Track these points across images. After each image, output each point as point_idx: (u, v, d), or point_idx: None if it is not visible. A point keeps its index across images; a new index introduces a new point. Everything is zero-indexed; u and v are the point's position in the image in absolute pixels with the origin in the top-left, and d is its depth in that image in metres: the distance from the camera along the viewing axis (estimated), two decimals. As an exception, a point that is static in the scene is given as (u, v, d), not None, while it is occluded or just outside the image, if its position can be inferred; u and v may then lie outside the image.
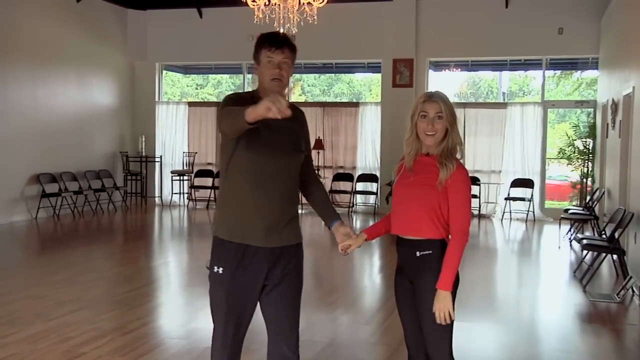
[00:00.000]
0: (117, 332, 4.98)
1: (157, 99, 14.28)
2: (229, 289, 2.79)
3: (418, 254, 2.87)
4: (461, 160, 2.95)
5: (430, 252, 2.86)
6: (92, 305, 5.77)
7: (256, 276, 2.81)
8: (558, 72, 17.25)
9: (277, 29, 8.04)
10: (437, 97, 2.90)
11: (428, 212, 2.84)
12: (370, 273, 8.11)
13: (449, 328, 2.89)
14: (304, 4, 8.06)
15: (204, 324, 5.52)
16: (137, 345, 4.69)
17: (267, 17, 8.16)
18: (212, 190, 13.55)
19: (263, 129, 2.67)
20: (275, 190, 2.83)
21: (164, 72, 14.91)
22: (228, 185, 2.84)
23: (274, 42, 2.84)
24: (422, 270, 2.88)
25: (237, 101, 2.76)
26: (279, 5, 7.93)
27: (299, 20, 7.97)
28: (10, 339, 4.73)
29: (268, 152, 2.79)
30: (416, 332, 2.97)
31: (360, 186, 12.96)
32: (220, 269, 2.80)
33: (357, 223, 11.28)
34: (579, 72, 16.52)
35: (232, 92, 2.94)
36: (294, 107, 2.97)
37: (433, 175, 2.85)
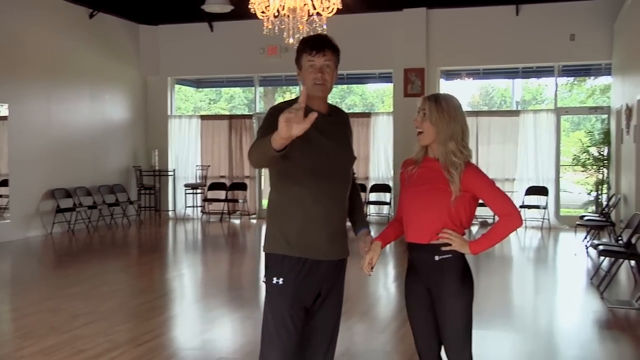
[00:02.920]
0: (130, 344, 4.97)
1: (169, 113, 14.36)
2: (292, 299, 2.73)
3: (437, 258, 2.85)
4: (469, 160, 2.89)
5: (450, 255, 2.85)
6: (106, 318, 5.76)
7: (315, 287, 2.80)
8: (571, 79, 17.17)
9: (287, 40, 8.06)
10: (431, 97, 2.90)
11: (445, 217, 2.83)
12: (385, 282, 8.05)
13: (469, 334, 2.91)
14: (312, 14, 8.09)
15: (218, 335, 5.53)
16: (151, 356, 4.68)
17: (276, 28, 8.19)
18: (226, 203, 13.58)
19: (314, 134, 2.59)
20: (335, 198, 2.81)
21: (177, 86, 15.00)
22: (284, 198, 2.77)
23: (315, 45, 2.76)
24: (441, 275, 2.86)
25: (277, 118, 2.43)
26: (288, 16, 7.97)
27: (308, 30, 7.99)
28: (25, 352, 4.74)
29: (324, 158, 2.75)
30: (428, 337, 2.95)
31: (373, 196, 12.92)
32: (281, 280, 2.74)
33: (372, 233, 11.21)
34: (592, 78, 16.43)
35: (278, 103, 2.82)
36: (337, 109, 2.98)
37: (445, 181, 2.82)
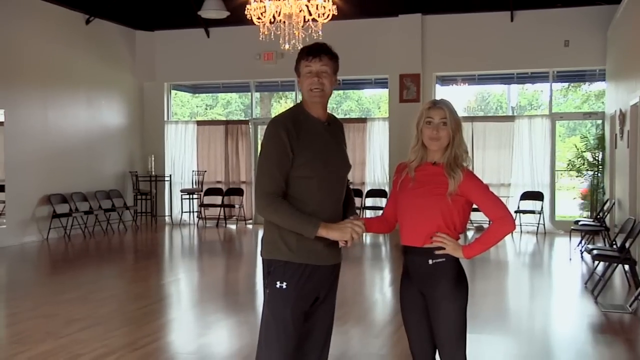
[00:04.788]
0: (127, 349, 4.98)
1: (166, 119, 14.38)
2: (294, 303, 2.79)
3: (431, 262, 2.87)
4: (468, 168, 2.95)
5: (444, 259, 2.87)
6: (102, 323, 5.78)
7: (314, 291, 2.86)
8: (566, 85, 17.25)
9: (282, 45, 8.11)
10: (442, 104, 2.93)
11: (439, 221, 2.85)
12: (381, 286, 8.08)
13: (463, 338, 2.93)
14: (308, 20, 8.14)
15: (215, 339, 5.55)
16: (147, 361, 4.70)
17: (272, 34, 8.24)
18: (222, 209, 13.59)
19: (319, 146, 2.74)
20: (335, 207, 2.90)
21: (173, 92, 15.03)
22: None
23: (311, 51, 2.83)
24: (435, 278, 2.88)
25: (288, 135, 2.74)
26: (284, 22, 8.02)
27: (304, 36, 8.05)
28: (21, 357, 4.75)
29: (325, 168, 2.82)
30: (423, 340, 2.97)
31: (369, 202, 12.95)
32: (284, 284, 2.79)
33: (367, 239, 11.26)
34: (587, 84, 16.52)
35: (278, 117, 2.89)
36: (334, 118, 3.04)
37: (442, 185, 2.85)
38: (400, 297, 3.05)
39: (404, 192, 2.96)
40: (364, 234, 3.01)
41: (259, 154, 2.93)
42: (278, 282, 2.81)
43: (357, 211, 12.60)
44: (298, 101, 2.95)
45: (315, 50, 2.83)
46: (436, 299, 2.89)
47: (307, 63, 2.81)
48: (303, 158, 2.76)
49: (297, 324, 2.81)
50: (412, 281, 2.97)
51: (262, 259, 2.91)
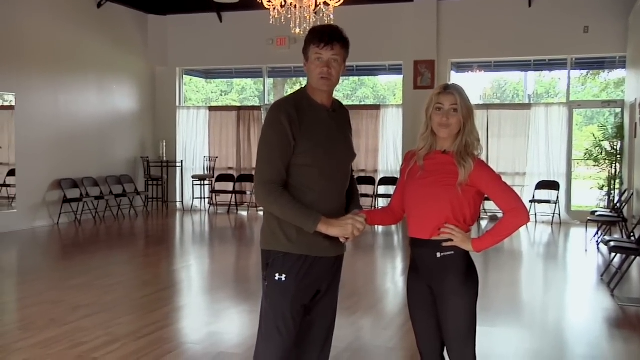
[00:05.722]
0: (130, 337, 4.90)
1: (178, 104, 14.30)
2: (295, 295, 2.69)
3: (439, 255, 2.74)
4: (480, 157, 2.80)
5: (452, 252, 2.74)
6: (107, 310, 5.71)
7: (315, 284, 2.76)
8: (584, 73, 16.94)
9: (293, 29, 7.96)
10: (452, 89, 2.78)
11: (448, 213, 2.71)
12: (393, 276, 7.95)
13: (473, 334, 2.80)
14: (320, 4, 7.97)
15: (222, 328, 5.47)
16: (150, 350, 4.60)
17: (283, 18, 8.07)
18: (234, 195, 13.51)
19: (322, 134, 2.65)
20: (337, 197, 2.80)
21: (187, 77, 14.92)
22: None
23: (323, 37, 2.68)
24: (444, 272, 2.75)
25: (290, 122, 2.62)
26: (295, 5, 7.85)
27: (315, 20, 7.88)
28: (23, 343, 4.69)
29: (329, 157, 2.72)
30: (430, 336, 2.85)
31: (382, 189, 12.80)
32: (283, 277, 2.69)
33: (379, 227, 11.12)
34: (606, 71, 16.21)
35: (280, 102, 2.74)
36: (340, 105, 2.92)
37: (452, 175, 2.71)
38: (408, 291, 2.93)
39: (411, 182, 2.82)
40: (372, 226, 2.86)
41: (259, 140, 2.80)
42: (277, 274, 2.69)
43: (370, 199, 12.36)
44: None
45: (327, 37, 2.67)
46: (444, 293, 2.76)
47: (317, 50, 2.67)
48: (304, 146, 2.63)
49: (296, 318, 2.70)
50: (419, 275, 2.84)
51: (261, 250, 2.79)
